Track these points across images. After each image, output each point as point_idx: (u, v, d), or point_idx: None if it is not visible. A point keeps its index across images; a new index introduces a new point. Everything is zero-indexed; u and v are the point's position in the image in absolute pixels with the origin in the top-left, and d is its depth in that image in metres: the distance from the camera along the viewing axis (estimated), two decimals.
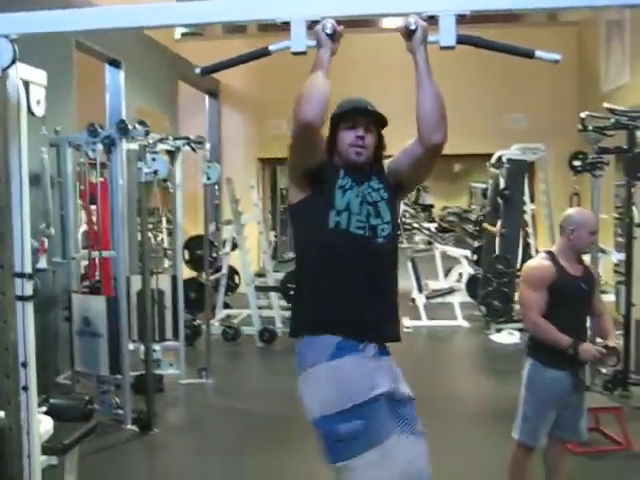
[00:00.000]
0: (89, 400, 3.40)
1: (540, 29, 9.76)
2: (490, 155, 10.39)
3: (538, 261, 3.17)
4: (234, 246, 7.54)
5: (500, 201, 7.52)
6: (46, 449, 2.70)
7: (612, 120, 4.62)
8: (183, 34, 10.63)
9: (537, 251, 8.18)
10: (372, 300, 2.11)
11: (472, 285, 8.63)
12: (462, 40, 1.98)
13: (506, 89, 9.68)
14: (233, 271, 7.81)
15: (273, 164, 11.83)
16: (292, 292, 6.16)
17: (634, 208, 4.27)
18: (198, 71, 2.16)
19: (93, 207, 5.13)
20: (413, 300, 9.15)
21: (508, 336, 7.22)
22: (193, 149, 5.46)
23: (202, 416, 5.06)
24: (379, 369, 2.13)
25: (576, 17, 9.45)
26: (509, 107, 9.90)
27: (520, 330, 7.32)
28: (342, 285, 2.11)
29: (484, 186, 24.44)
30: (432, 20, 1.97)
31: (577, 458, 4.03)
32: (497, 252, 7.54)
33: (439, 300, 8.48)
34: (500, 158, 8.33)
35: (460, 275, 9.64)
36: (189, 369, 5.68)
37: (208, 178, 5.59)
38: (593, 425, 4.23)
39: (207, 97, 10.53)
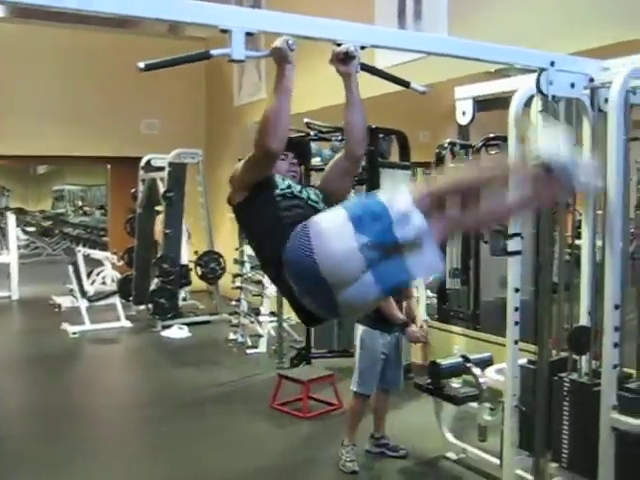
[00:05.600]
0: None
1: (164, 39, 10.23)
2: (103, 158, 10.67)
3: None
4: None
5: (163, 203, 7.84)
6: None
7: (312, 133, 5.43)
8: None
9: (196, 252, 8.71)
10: None
11: (123, 286, 8.73)
12: (363, 67, 2.43)
13: (139, 96, 9.86)
14: None
15: None
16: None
17: None
18: (142, 66, 2.16)
19: None
20: (59, 306, 8.84)
21: (179, 331, 7.59)
22: None
23: None
24: None
25: (203, 34, 10.19)
26: (142, 113, 10.17)
27: (187, 324, 7.79)
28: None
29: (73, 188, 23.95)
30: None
31: (306, 423, 4.74)
32: (162, 252, 7.83)
33: (101, 303, 8.31)
34: (149, 162, 8.64)
35: (103, 278, 9.61)
36: None
37: None
38: (306, 394, 4.96)
39: None
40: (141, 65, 2.13)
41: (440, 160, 6.34)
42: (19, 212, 18.99)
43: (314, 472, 4.00)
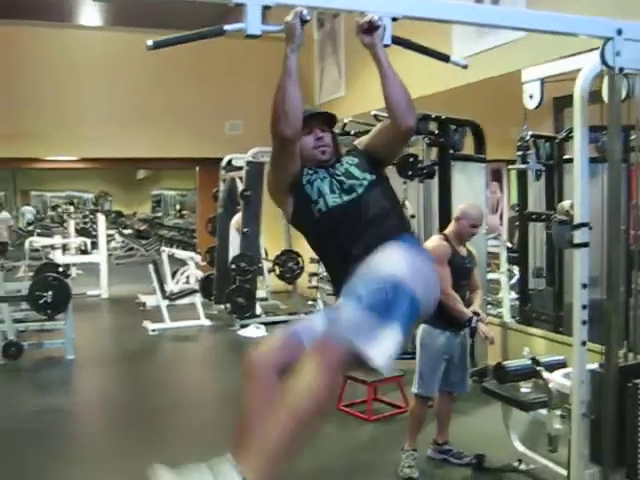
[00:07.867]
0: None
1: (250, 41, 10.26)
2: (192, 160, 10.76)
3: (438, 241, 3.71)
4: None
5: (241, 201, 7.85)
6: None
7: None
8: None
9: (266, 251, 8.71)
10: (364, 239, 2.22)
11: (205, 285, 8.83)
12: (395, 41, 2.24)
13: (224, 97, 9.93)
14: None
15: None
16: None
17: (407, 202, 4.94)
18: (150, 44, 2.08)
19: None
20: (144, 304, 9.03)
21: (255, 330, 7.56)
22: None
23: None
24: None
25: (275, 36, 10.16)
26: (227, 114, 10.24)
27: (264, 324, 7.75)
28: (335, 251, 2.32)
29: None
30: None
31: (370, 426, 4.57)
32: (240, 250, 7.84)
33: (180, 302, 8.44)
34: (230, 162, 8.70)
35: (187, 277, 9.77)
36: None
37: None
38: (372, 396, 4.79)
39: None
40: (149, 43, 2.06)
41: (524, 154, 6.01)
42: (117, 215, 19.74)
43: (371, 476, 3.81)
